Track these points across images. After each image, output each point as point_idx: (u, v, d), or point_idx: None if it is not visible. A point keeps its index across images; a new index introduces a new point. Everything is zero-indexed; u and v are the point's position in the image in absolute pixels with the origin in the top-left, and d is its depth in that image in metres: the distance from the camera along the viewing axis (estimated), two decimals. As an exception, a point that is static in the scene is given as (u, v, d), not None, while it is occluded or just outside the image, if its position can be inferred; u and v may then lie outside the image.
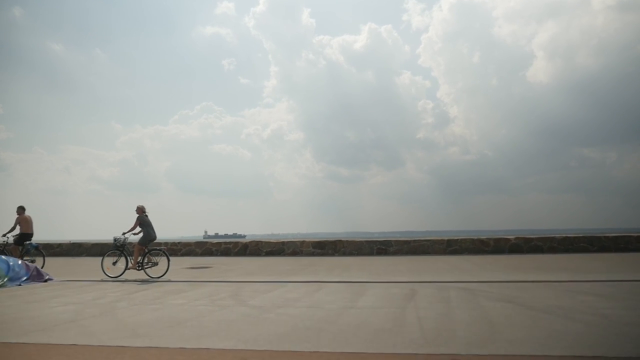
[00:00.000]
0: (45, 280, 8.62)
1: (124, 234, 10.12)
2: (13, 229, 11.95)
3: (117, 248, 9.80)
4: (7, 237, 11.88)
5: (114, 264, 9.42)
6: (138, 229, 9.61)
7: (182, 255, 15.48)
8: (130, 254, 9.77)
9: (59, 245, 16.54)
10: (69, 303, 5.69)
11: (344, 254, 14.71)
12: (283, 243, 15.10)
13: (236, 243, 15.34)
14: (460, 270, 9.31)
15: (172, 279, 8.54)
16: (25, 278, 8.34)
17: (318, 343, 3.48)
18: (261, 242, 15.25)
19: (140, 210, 9.90)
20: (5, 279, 7.88)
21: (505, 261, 11.29)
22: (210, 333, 3.87)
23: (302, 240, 15.15)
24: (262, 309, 5.07)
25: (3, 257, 8.82)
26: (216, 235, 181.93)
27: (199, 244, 15.59)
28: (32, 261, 10.56)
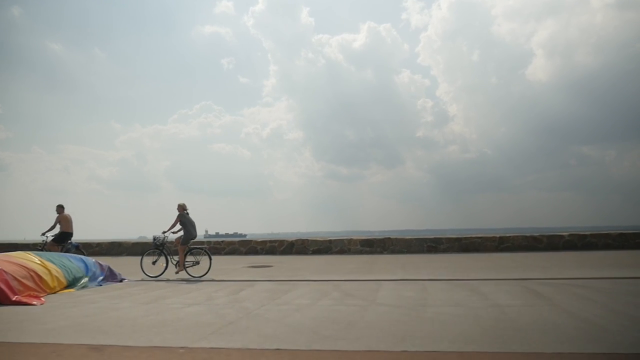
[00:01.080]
0: (120, 280, 8.34)
1: (164, 232, 9.93)
2: (53, 227, 11.69)
3: (157, 247, 9.66)
4: (47, 236, 11.63)
5: (154, 263, 9.24)
6: (178, 227, 9.45)
7: (226, 254, 15.20)
8: (170, 253, 9.66)
9: (98, 244, 16.25)
10: (192, 304, 5.40)
11: (393, 251, 14.46)
12: (330, 241, 14.85)
13: (282, 241, 15.07)
14: (544, 268, 9.07)
15: (252, 279, 8.21)
16: (101, 278, 8.05)
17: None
18: (307, 240, 14.99)
19: (182, 208, 9.70)
20: (86, 279, 7.59)
21: (577, 258, 11.06)
22: (409, 334, 3.60)
23: (349, 238, 14.90)
24: (407, 307, 4.81)
25: (79, 256, 8.54)
26: (217, 235, 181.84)
27: (242, 242, 15.32)
28: None
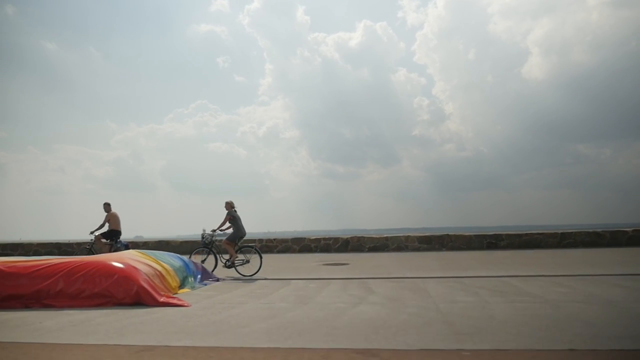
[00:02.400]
0: (217, 280, 8.00)
1: (213, 230, 9.75)
2: (102, 226, 11.39)
3: (205, 245, 9.57)
4: (95, 235, 11.32)
5: (202, 262, 9.01)
6: (227, 224, 9.31)
7: (279, 252, 14.86)
8: (219, 252, 9.52)
9: (145, 243, 15.86)
10: (343, 302, 5.08)
11: (452, 248, 14.20)
12: (387, 238, 14.56)
13: (336, 239, 14.75)
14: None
15: (352, 277, 7.83)
16: (199, 277, 7.71)
17: None
18: (363, 237, 14.68)
19: (229, 206, 9.50)
20: (192, 278, 7.24)
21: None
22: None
23: (406, 235, 14.60)
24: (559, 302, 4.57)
25: (176, 254, 8.18)
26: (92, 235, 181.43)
27: (295, 240, 14.98)
28: None
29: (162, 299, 5.15)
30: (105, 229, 11.18)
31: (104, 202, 11.33)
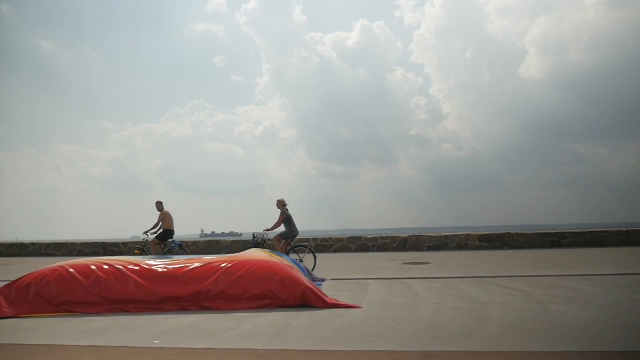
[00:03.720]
0: (322, 280, 7.66)
1: (267, 230, 9.49)
2: (157, 225, 11.00)
3: (257, 245, 9.34)
4: (148, 235, 10.96)
5: None
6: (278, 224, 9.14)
7: (335, 251, 14.53)
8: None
9: (194, 243, 15.49)
10: (469, 304, 4.75)
11: (514, 247, 13.94)
12: (446, 237, 14.26)
13: (394, 238, 14.44)
14: None
15: (453, 276, 7.46)
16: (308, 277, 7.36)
17: None
18: (421, 236, 14.38)
19: (282, 205, 9.28)
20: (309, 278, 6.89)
21: None
22: None
23: (466, 233, 14.31)
24: None
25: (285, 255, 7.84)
26: (213, 234, 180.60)
27: (351, 239, 14.65)
28: None
29: (330, 301, 4.82)
30: (160, 229, 10.82)
31: (156, 201, 10.92)
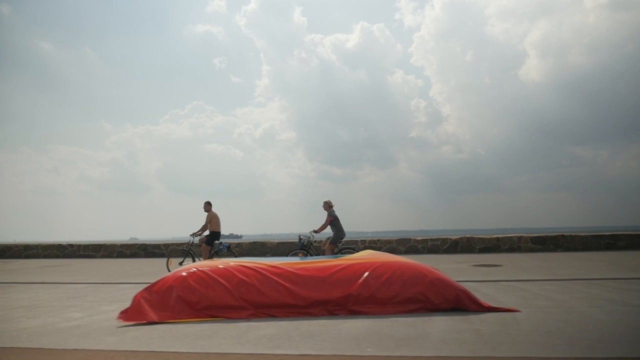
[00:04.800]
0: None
1: (314, 231, 9.27)
2: (205, 227, 10.73)
3: (303, 247, 9.19)
4: (194, 237, 10.71)
5: None
6: (323, 225, 9.00)
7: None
8: (317, 253, 9.08)
9: (239, 244, 15.20)
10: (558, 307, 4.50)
11: (568, 249, 13.68)
12: (498, 239, 14.00)
13: (444, 240, 14.18)
14: None
15: (532, 278, 7.17)
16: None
17: None
18: (473, 238, 14.12)
19: (328, 206, 9.10)
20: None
21: None
22: None
23: (519, 235, 14.05)
24: None
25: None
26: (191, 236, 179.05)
27: (401, 241, 14.38)
28: None
29: (486, 304, 4.55)
30: (207, 231, 10.56)
31: (204, 201, 10.67)
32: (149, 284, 4.72)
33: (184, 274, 4.61)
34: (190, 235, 10.54)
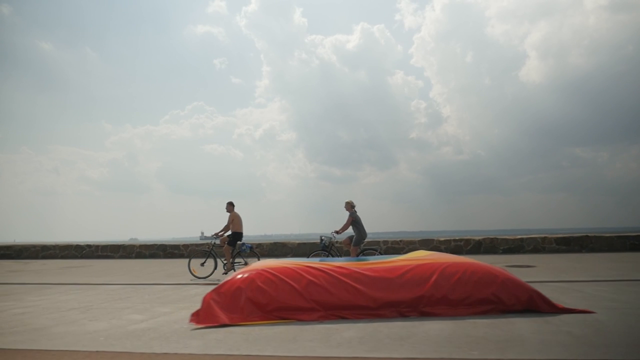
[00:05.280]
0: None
1: (336, 232, 9.14)
2: (227, 227, 10.56)
3: (324, 249, 9.07)
4: (216, 237, 10.54)
5: None
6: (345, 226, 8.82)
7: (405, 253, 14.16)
8: (339, 255, 9.08)
9: (259, 244, 15.09)
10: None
11: (592, 250, 13.58)
12: (522, 240, 13.91)
13: (468, 240, 14.09)
14: None
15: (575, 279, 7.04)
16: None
17: None
18: (497, 239, 14.03)
19: (350, 206, 8.96)
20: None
21: None
22: None
23: (543, 236, 13.96)
24: None
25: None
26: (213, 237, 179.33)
27: (423, 242, 14.28)
28: (245, 263, 9.40)
29: (560, 306, 4.46)
30: (229, 231, 10.42)
31: (227, 202, 10.52)
32: (215, 286, 4.62)
33: (249, 275, 4.50)
34: (212, 235, 10.39)
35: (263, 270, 4.58)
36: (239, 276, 4.54)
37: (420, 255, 5.44)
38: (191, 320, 4.19)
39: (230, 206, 10.55)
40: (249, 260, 9.63)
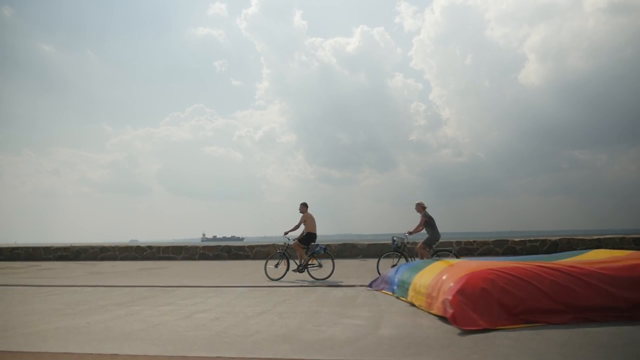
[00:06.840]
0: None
1: (409, 233, 8.92)
2: (297, 227, 10.26)
3: (396, 250, 8.93)
4: (289, 237, 10.28)
5: (393, 267, 8.18)
6: (419, 228, 8.71)
7: (480, 255, 13.96)
8: (411, 256, 8.89)
9: (327, 245, 14.85)
10: None
11: None
12: (599, 240, 13.70)
13: (544, 241, 13.90)
14: None
15: None
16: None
17: None
18: (573, 239, 13.83)
19: (422, 207, 8.85)
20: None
21: None
22: None
23: (621, 236, 13.78)
24: None
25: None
26: (214, 238, 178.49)
27: (498, 242, 14.09)
28: (319, 265, 9.27)
29: None
30: (300, 231, 10.15)
31: (300, 202, 10.25)
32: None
33: (486, 275, 4.26)
34: (284, 234, 10.10)
35: (498, 270, 4.35)
36: (477, 277, 4.29)
37: (618, 255, 5.23)
38: (455, 324, 3.95)
39: (303, 207, 10.26)
40: (322, 261, 9.43)
